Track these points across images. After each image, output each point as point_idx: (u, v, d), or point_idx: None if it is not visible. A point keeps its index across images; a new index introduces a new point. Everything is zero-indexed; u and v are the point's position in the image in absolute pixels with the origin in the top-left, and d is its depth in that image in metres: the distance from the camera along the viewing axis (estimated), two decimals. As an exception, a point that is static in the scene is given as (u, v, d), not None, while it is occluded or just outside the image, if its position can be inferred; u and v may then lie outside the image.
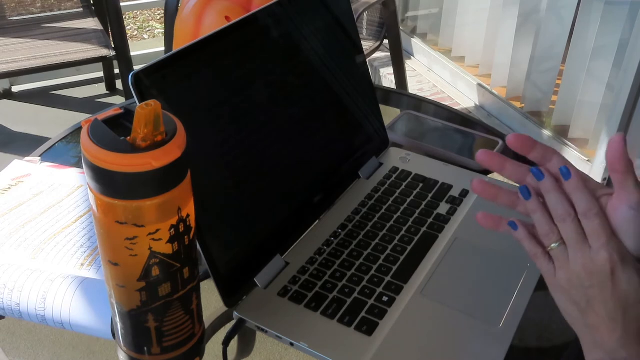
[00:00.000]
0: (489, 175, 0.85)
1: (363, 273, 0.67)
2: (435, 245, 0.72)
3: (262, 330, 0.62)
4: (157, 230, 0.47)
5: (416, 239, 0.72)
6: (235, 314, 0.63)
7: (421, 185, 0.81)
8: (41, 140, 0.93)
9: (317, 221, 0.75)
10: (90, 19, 2.06)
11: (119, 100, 2.47)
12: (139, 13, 3.42)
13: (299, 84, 0.73)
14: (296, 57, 0.73)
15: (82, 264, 0.69)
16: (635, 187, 0.49)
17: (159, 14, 3.39)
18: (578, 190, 0.51)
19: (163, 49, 2.06)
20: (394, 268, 0.68)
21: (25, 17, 2.09)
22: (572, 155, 1.75)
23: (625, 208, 0.49)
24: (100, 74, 2.49)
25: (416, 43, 2.38)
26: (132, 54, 1.99)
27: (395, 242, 0.72)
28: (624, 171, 0.49)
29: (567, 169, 0.52)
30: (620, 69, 1.57)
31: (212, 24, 0.86)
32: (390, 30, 1.94)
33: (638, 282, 0.48)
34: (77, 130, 0.96)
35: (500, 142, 0.92)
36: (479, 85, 2.08)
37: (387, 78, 2.26)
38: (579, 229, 0.51)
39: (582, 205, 0.51)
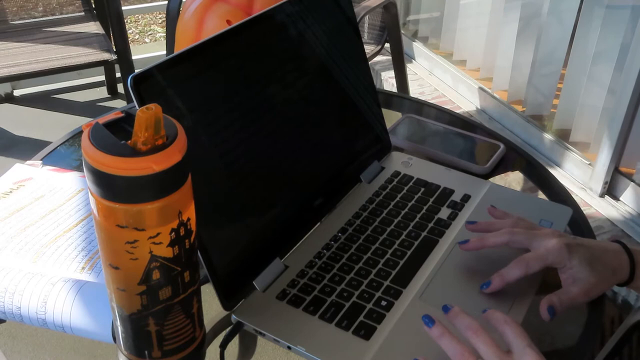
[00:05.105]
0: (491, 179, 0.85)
1: (362, 277, 0.67)
2: (436, 250, 0.72)
3: (260, 333, 0.62)
4: (158, 234, 0.47)
5: (416, 243, 0.72)
6: (233, 316, 0.63)
7: (422, 189, 0.81)
8: (43, 144, 0.94)
9: (318, 224, 0.75)
10: (92, 23, 2.07)
11: (120, 104, 2.47)
12: (140, 17, 3.42)
13: (300, 87, 0.73)
14: (298, 61, 0.73)
15: (83, 268, 0.69)
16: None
17: (160, 18, 3.39)
18: (459, 317, 0.56)
19: (164, 52, 2.07)
20: (393, 272, 0.68)
21: (27, 21, 2.09)
22: (574, 158, 1.74)
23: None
24: (102, 77, 2.50)
25: (417, 47, 2.38)
26: (133, 57, 2.00)
27: (395, 246, 0.72)
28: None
29: (444, 310, 0.57)
30: (621, 72, 1.56)
31: (214, 28, 0.86)
32: (392, 34, 1.94)
33: None
34: (78, 134, 0.96)
35: (502, 146, 0.92)
36: (480, 88, 2.08)
37: (388, 82, 2.26)
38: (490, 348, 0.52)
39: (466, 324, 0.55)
